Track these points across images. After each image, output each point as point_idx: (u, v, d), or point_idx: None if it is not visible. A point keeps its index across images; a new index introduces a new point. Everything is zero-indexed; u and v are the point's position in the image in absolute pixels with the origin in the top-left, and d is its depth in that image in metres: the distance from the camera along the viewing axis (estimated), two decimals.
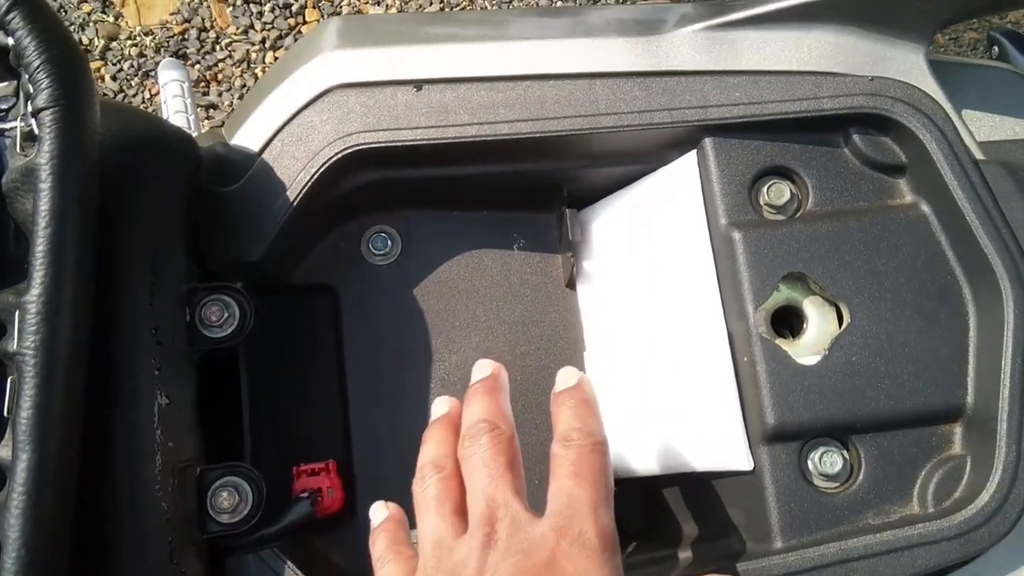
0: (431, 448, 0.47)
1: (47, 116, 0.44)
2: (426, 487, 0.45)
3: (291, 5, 1.73)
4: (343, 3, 1.75)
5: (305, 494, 0.56)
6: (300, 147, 0.56)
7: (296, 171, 0.55)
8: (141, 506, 0.48)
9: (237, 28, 1.72)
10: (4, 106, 0.48)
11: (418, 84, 0.57)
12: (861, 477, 0.51)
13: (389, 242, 0.63)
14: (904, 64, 0.55)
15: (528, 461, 0.54)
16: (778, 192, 0.55)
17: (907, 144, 0.54)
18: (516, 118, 0.55)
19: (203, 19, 1.73)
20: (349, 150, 0.55)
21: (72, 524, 0.44)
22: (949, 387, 0.52)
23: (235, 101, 1.67)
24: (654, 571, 0.54)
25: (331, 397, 0.62)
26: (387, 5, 1.78)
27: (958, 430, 0.52)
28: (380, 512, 0.50)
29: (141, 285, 0.51)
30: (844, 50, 0.55)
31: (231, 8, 1.73)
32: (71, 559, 0.44)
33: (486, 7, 1.78)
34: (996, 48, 0.75)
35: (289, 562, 0.52)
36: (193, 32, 1.71)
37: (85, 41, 1.65)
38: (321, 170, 0.55)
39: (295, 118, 0.57)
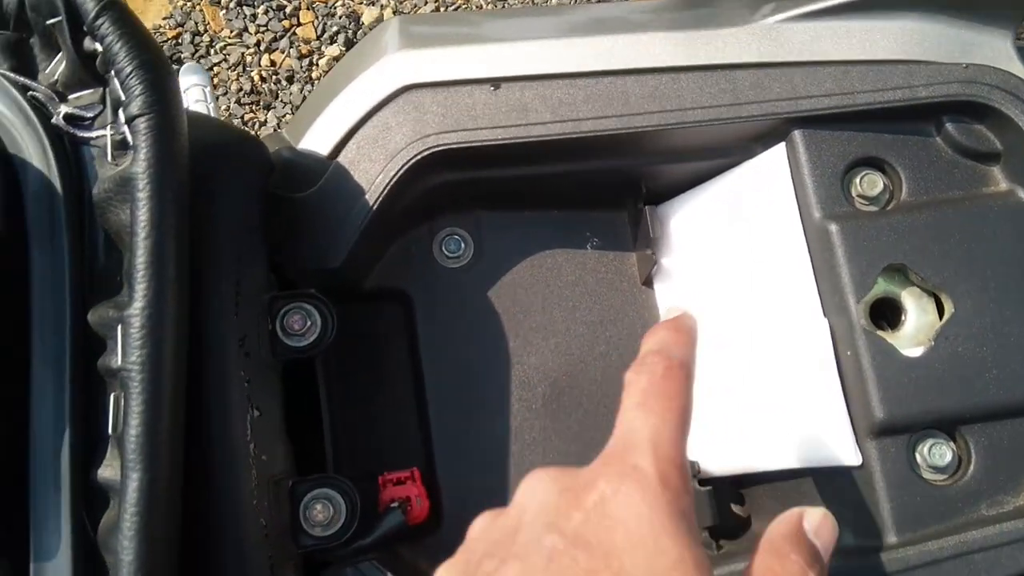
0: None
1: (142, 123, 0.43)
2: None
3: (285, 7, 1.72)
4: (337, 4, 1.73)
5: (395, 503, 0.55)
6: (377, 149, 0.55)
7: (374, 174, 0.54)
8: (241, 522, 0.47)
9: (231, 31, 1.70)
10: (90, 114, 0.47)
11: (495, 83, 0.55)
12: (972, 468, 0.51)
13: (462, 244, 0.62)
14: (992, 50, 0.55)
15: None
16: (871, 183, 0.54)
17: (1004, 131, 0.54)
18: (600, 114, 0.54)
19: (196, 23, 1.70)
20: (428, 151, 0.54)
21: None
22: None
23: (232, 105, 1.65)
24: None
25: (408, 403, 0.60)
26: (381, 5, 1.76)
27: None
28: None
29: (227, 296, 0.49)
30: (931, 37, 0.55)
31: (224, 11, 1.71)
32: None
33: (481, 6, 1.77)
34: None
35: (389, 574, 0.51)
36: (187, 36, 1.69)
37: None
38: (400, 173, 0.54)
39: (368, 120, 0.56)
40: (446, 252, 0.61)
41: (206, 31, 1.71)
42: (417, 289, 0.60)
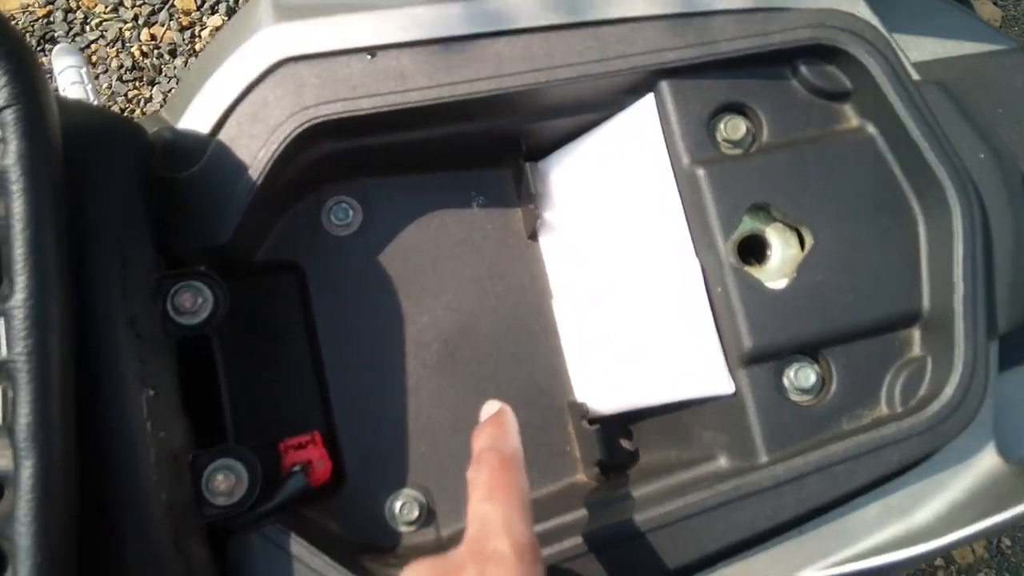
0: None
1: (9, 115, 0.43)
2: None
3: None
4: None
5: (297, 467, 0.57)
6: (257, 125, 0.55)
7: (256, 150, 0.55)
8: (142, 500, 0.48)
9: (106, 7, 1.63)
10: None
11: (371, 51, 0.56)
12: (834, 387, 0.55)
13: (350, 212, 0.63)
14: None
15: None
16: (734, 127, 0.57)
17: (851, 70, 0.57)
18: (474, 77, 0.56)
19: (67, 0, 1.63)
20: (308, 124, 0.55)
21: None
22: (906, 294, 0.56)
23: (114, 83, 1.59)
24: (641, 500, 0.57)
25: (306, 370, 0.62)
26: None
27: (916, 333, 0.56)
28: None
29: (113, 279, 0.50)
30: None
31: None
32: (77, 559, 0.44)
33: None
34: None
35: (293, 534, 0.53)
36: (59, 14, 1.61)
37: None
38: (282, 147, 0.55)
39: (247, 96, 0.56)
40: (335, 220, 0.63)
41: (79, 7, 1.63)
42: (308, 259, 0.62)
